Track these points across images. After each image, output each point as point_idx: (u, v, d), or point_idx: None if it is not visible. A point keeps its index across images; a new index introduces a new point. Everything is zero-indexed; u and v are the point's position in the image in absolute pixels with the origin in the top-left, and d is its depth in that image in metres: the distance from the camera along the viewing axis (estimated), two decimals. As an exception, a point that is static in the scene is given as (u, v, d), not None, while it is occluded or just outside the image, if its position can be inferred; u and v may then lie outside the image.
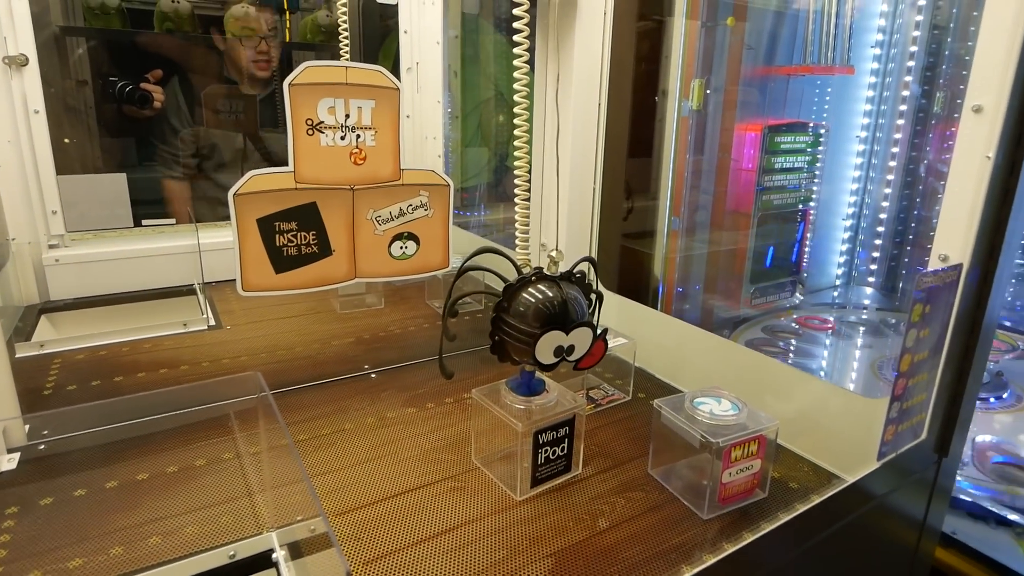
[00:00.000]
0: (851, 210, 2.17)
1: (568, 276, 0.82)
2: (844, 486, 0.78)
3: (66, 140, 1.65)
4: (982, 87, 0.75)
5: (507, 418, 0.83)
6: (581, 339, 0.81)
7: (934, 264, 0.81)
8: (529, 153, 0.93)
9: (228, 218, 1.01)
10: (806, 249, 1.99)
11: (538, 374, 0.88)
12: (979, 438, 1.40)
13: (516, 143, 0.91)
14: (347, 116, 1.09)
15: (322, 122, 1.07)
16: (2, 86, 1.34)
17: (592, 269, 0.87)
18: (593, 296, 0.85)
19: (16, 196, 1.40)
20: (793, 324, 1.84)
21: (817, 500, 0.76)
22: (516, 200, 0.93)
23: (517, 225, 0.93)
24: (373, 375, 1.19)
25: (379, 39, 2.50)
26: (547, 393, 0.87)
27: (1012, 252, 0.79)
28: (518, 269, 0.83)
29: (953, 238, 0.79)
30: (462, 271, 0.85)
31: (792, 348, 1.74)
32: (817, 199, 1.98)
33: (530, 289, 0.79)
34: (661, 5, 1.52)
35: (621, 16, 1.28)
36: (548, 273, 0.82)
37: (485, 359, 1.26)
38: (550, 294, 0.79)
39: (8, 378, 0.86)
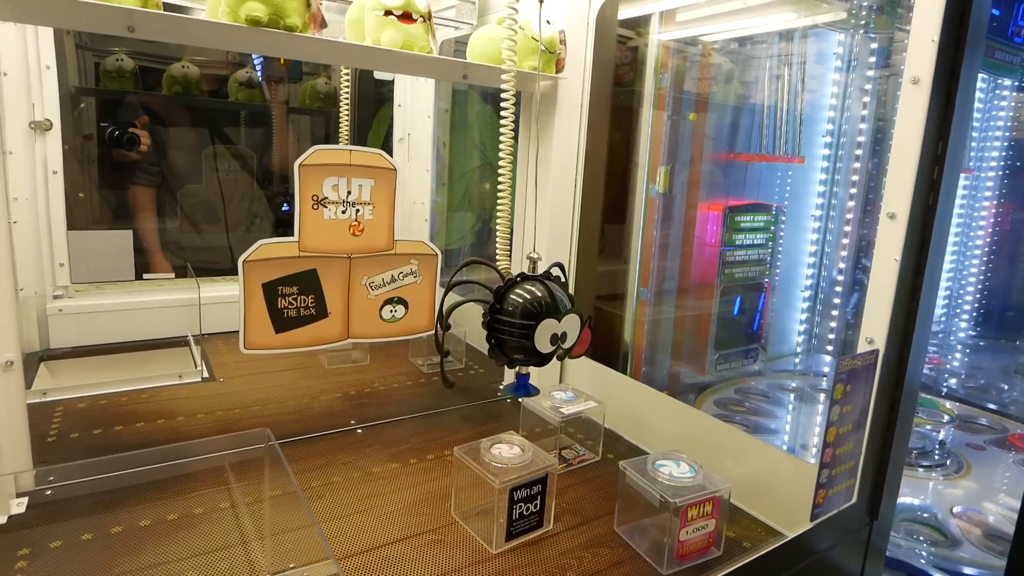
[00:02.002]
0: (809, 282, 2.33)
1: (547, 275, 0.92)
2: (783, 541, 0.88)
3: (80, 194, 1.74)
4: (895, 196, 0.90)
5: (485, 475, 0.91)
6: (571, 326, 0.89)
7: (863, 346, 0.94)
8: (513, 175, 1.02)
9: (219, 270, 1.10)
10: (767, 318, 2.13)
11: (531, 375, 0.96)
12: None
13: (500, 171, 1.00)
14: (349, 193, 1.21)
15: (326, 198, 1.19)
16: (26, 148, 1.45)
17: (562, 272, 0.96)
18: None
19: (27, 249, 1.48)
20: (755, 388, 1.96)
21: (759, 553, 0.85)
22: (498, 215, 1.01)
23: (498, 239, 1.01)
24: (359, 431, 1.27)
25: (374, 106, 2.65)
26: (522, 452, 0.96)
27: (923, 339, 0.92)
28: (501, 276, 0.92)
29: (877, 325, 0.91)
30: (451, 285, 0.93)
31: (753, 413, 1.85)
32: (777, 272, 2.13)
33: (518, 289, 0.88)
34: (631, 99, 1.69)
35: (596, 108, 1.44)
36: (530, 274, 0.91)
37: (466, 418, 1.35)
38: (538, 290, 0.88)
39: (24, 428, 0.93)
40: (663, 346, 1.93)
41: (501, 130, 1.09)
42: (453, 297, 0.94)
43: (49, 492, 0.93)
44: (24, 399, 0.93)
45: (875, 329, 0.91)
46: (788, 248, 2.17)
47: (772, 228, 2.00)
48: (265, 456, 0.89)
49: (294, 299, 1.18)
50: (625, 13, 1.55)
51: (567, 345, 0.89)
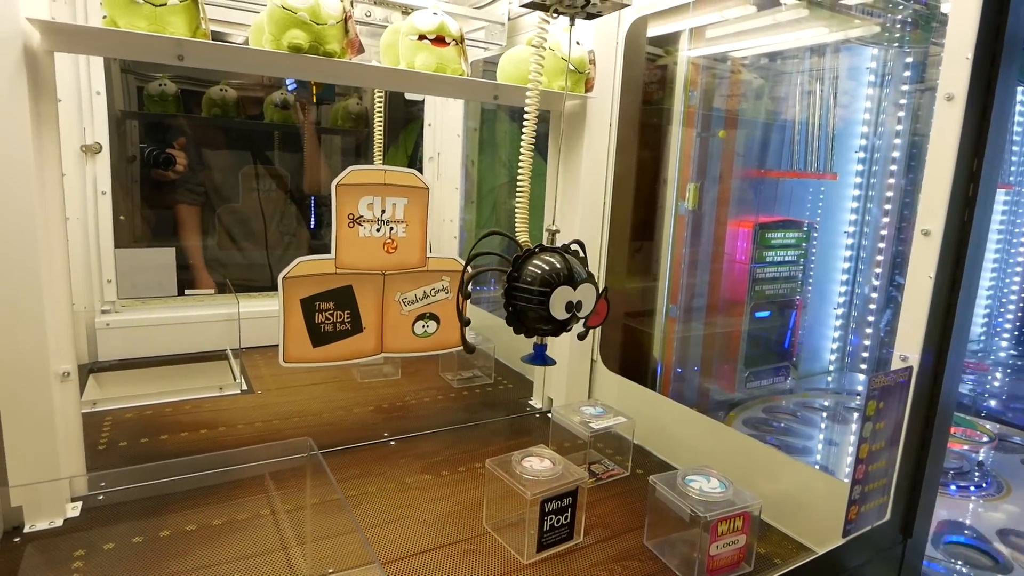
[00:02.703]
0: (843, 299, 2.30)
1: (566, 248, 0.93)
2: (814, 557, 0.87)
3: (122, 217, 1.82)
4: (929, 213, 0.89)
5: (516, 486, 0.93)
6: (587, 296, 0.90)
7: (896, 363, 0.93)
8: (531, 157, 1.01)
9: (256, 286, 1.14)
10: (799, 336, 2.11)
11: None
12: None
13: (520, 155, 1.02)
14: (383, 211, 1.25)
15: (362, 216, 1.23)
16: (77, 170, 1.52)
17: (581, 248, 0.97)
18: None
19: (78, 266, 1.55)
20: (786, 407, 1.94)
21: (789, 567, 0.85)
22: (517, 192, 1.01)
23: (517, 212, 1.01)
24: (392, 442, 1.29)
25: (404, 125, 2.72)
26: (553, 465, 0.98)
27: (958, 357, 0.91)
28: (520, 246, 0.93)
29: (911, 342, 0.91)
30: (472, 256, 0.95)
31: (784, 431, 1.83)
32: (809, 289, 2.11)
33: (535, 259, 0.90)
34: (660, 117, 1.71)
35: (625, 126, 1.46)
36: (548, 246, 0.92)
37: (496, 431, 1.37)
38: (555, 259, 0.89)
39: (79, 436, 0.98)
40: (692, 363, 1.92)
41: (524, 125, 1.08)
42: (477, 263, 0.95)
43: (101, 497, 0.97)
44: (79, 409, 0.98)
45: (909, 346, 0.91)
46: (820, 265, 2.15)
47: (803, 245, 1.98)
48: (308, 465, 0.92)
49: (331, 314, 1.22)
50: (654, 31, 1.57)
51: (582, 314, 0.91)
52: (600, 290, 0.93)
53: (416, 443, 1.30)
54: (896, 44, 1.85)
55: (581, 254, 0.95)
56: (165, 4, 0.87)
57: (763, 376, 1.97)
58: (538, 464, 0.98)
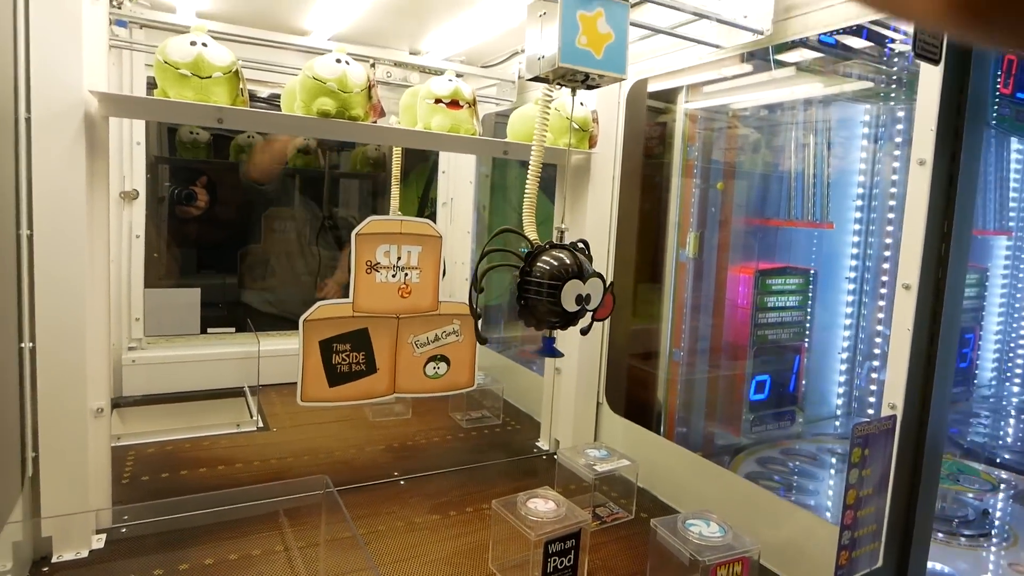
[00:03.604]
0: (847, 344, 2.33)
1: (574, 245, 0.98)
2: (807, 603, 0.90)
3: (155, 255, 1.91)
4: (908, 268, 0.95)
5: (521, 527, 0.97)
6: (595, 290, 0.95)
7: (886, 411, 0.98)
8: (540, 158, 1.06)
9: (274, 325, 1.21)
10: (803, 380, 2.14)
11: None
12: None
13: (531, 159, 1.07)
14: (399, 258, 1.32)
15: (378, 263, 1.30)
16: (115, 215, 1.62)
17: (586, 248, 1.02)
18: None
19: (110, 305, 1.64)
20: (790, 452, 1.96)
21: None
22: (525, 193, 1.06)
23: (524, 212, 1.06)
24: (402, 482, 1.34)
25: (416, 166, 2.82)
26: (557, 507, 1.02)
27: (942, 405, 0.96)
28: (531, 243, 0.98)
29: (896, 391, 0.96)
30: (485, 253, 1.00)
31: (789, 476, 1.85)
32: (812, 334, 2.15)
33: (546, 255, 0.95)
34: (661, 170, 1.79)
35: (627, 179, 1.54)
36: (557, 243, 0.97)
37: (503, 472, 1.41)
38: (565, 255, 0.95)
39: (107, 469, 1.04)
40: (697, 406, 1.96)
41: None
42: (487, 263, 1.00)
43: (124, 530, 1.03)
44: (109, 443, 1.04)
45: (895, 395, 0.96)
46: (823, 311, 2.19)
47: (805, 291, 2.03)
48: (323, 502, 0.97)
49: (347, 355, 1.29)
50: (654, 87, 1.66)
51: (591, 307, 0.96)
52: (607, 284, 0.98)
53: (425, 483, 1.34)
54: (887, 100, 1.93)
55: (587, 252, 1.01)
56: (210, 76, 0.96)
57: (768, 421, 1.99)
58: (543, 506, 1.02)
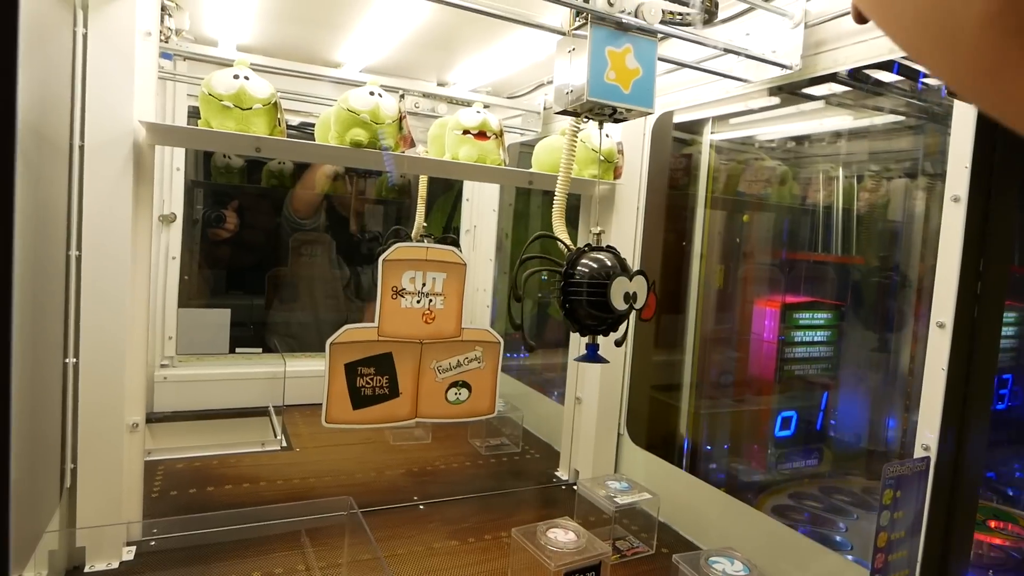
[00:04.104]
0: (878, 381, 2.28)
1: (610, 247, 0.98)
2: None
3: (185, 277, 1.97)
4: (942, 307, 0.94)
5: (541, 557, 0.97)
6: (640, 287, 0.95)
7: (919, 452, 0.96)
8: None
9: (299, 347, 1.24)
10: (831, 418, 2.09)
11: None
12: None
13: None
14: (424, 284, 1.35)
15: (404, 289, 1.33)
16: (154, 238, 1.68)
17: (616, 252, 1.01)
18: None
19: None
20: (816, 492, 1.91)
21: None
22: (555, 200, 1.06)
23: (555, 219, 1.06)
24: (421, 506, 1.34)
25: (441, 193, 2.87)
26: (577, 538, 1.01)
27: (978, 448, 0.94)
28: (568, 247, 0.98)
29: (929, 432, 0.94)
30: (523, 260, 1.00)
31: (817, 515, 1.80)
32: (841, 370, 2.11)
33: (588, 256, 0.95)
34: (686, 201, 1.80)
35: (652, 210, 1.55)
36: (595, 245, 0.98)
37: (521, 501, 1.41)
38: (607, 255, 0.95)
39: (139, 483, 1.06)
40: (720, 441, 1.93)
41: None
42: (527, 268, 1.00)
43: (153, 543, 1.05)
44: (142, 457, 1.07)
45: (928, 436, 0.94)
46: (853, 347, 2.15)
47: (834, 326, 2.01)
48: (347, 523, 0.98)
49: (371, 379, 1.30)
50: (680, 117, 1.68)
51: (638, 305, 0.95)
52: (651, 283, 0.97)
53: (444, 508, 1.34)
54: (920, 133, 1.92)
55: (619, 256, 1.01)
56: (251, 108, 1.01)
57: (794, 458, 1.95)
58: (563, 536, 1.02)
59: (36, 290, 0.92)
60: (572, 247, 0.99)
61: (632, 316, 0.98)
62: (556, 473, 1.59)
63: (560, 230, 1.03)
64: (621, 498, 1.24)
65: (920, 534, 0.93)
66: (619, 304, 0.93)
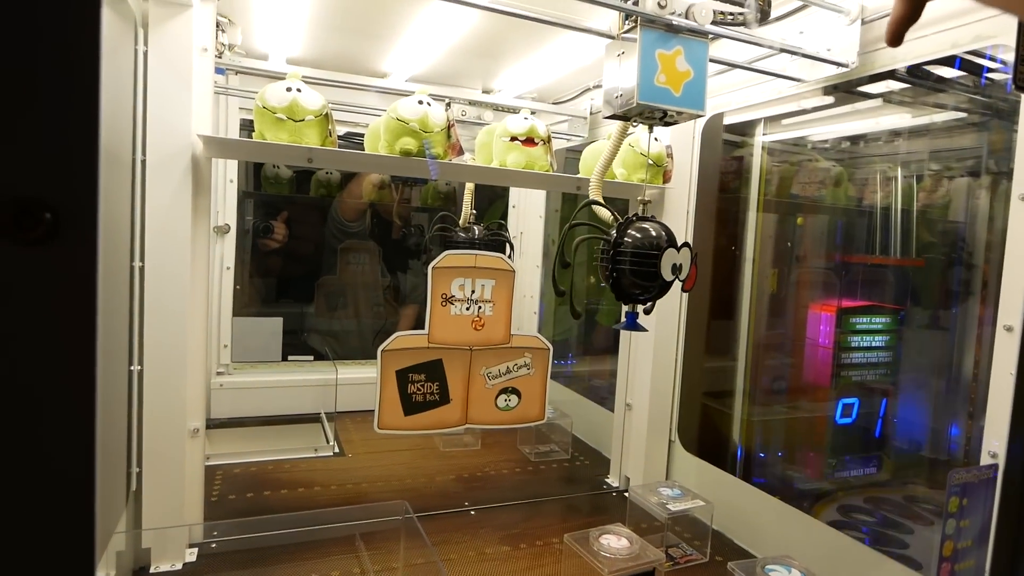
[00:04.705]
0: (940, 387, 2.18)
1: (654, 218, 0.97)
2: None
3: (237, 286, 2.03)
4: (1010, 309, 0.90)
5: (594, 563, 0.96)
6: (684, 259, 0.94)
7: (985, 459, 0.92)
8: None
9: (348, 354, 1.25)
10: (891, 425, 2.01)
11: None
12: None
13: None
14: (472, 292, 1.35)
15: (453, 296, 1.34)
16: (208, 249, 1.74)
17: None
18: None
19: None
20: (876, 501, 1.84)
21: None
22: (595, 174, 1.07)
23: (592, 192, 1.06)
24: (472, 512, 1.35)
25: (487, 202, 2.88)
26: (630, 545, 1.00)
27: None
28: (616, 216, 0.97)
29: (998, 439, 0.89)
30: (571, 226, 1.00)
31: (876, 525, 1.73)
32: (901, 376, 2.03)
33: (635, 226, 0.94)
34: (737, 205, 1.76)
35: (702, 214, 1.53)
36: (642, 215, 0.97)
37: (572, 507, 1.40)
38: (654, 225, 0.94)
39: (200, 487, 1.10)
40: (775, 448, 1.88)
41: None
42: (575, 235, 1.00)
43: (214, 545, 1.08)
44: (202, 462, 1.10)
45: (996, 443, 0.89)
46: (912, 352, 2.07)
47: (893, 331, 1.93)
48: (403, 528, 0.99)
49: (422, 385, 1.32)
50: (730, 119, 1.65)
51: (683, 276, 0.94)
52: (694, 255, 0.97)
53: (495, 514, 1.34)
54: (984, 130, 1.83)
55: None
56: (303, 120, 1.03)
57: (851, 465, 1.89)
58: (615, 542, 1.01)
59: (106, 301, 0.96)
60: (617, 217, 0.98)
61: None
62: (607, 480, 1.57)
63: (600, 204, 1.03)
64: (674, 505, 1.22)
65: (988, 543, 0.88)
66: (667, 275, 0.93)
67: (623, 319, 1.01)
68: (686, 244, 0.95)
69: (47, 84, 0.30)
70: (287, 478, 1.43)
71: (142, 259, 1.02)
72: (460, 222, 1.73)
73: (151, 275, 1.02)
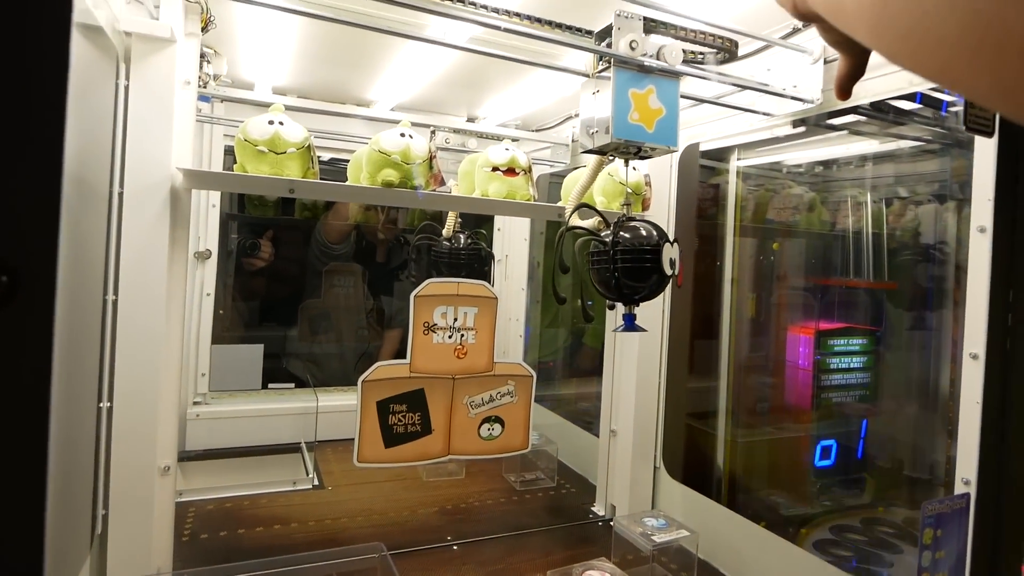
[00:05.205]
0: (918, 408, 2.21)
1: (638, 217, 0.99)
2: None
3: (221, 311, 2.00)
4: (974, 338, 0.91)
5: (577, 600, 0.95)
6: (676, 254, 0.96)
7: (959, 487, 0.92)
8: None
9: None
10: (872, 446, 2.03)
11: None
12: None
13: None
14: (455, 319, 1.35)
15: (435, 324, 1.33)
16: (189, 275, 1.71)
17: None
18: None
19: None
20: (860, 524, 1.84)
21: None
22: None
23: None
24: (455, 547, 1.32)
25: (473, 225, 2.88)
26: (613, 579, 0.99)
27: (1020, 483, 0.89)
28: (605, 220, 0.98)
29: (968, 467, 0.90)
30: (568, 228, 1.00)
31: (861, 550, 1.73)
32: (881, 397, 2.05)
33: (627, 227, 0.95)
34: (715, 231, 1.79)
35: (681, 240, 1.54)
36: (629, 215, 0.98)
37: (557, 539, 1.38)
38: (645, 224, 0.96)
39: (170, 528, 1.06)
40: (758, 472, 1.88)
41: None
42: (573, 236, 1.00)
43: (188, 589, 1.04)
44: (173, 501, 1.07)
45: (967, 471, 0.90)
46: (891, 373, 2.09)
47: (871, 352, 1.95)
48: (378, 567, 0.97)
49: (403, 416, 1.30)
50: (706, 146, 1.67)
51: (676, 271, 0.96)
52: (681, 250, 0.99)
53: (478, 548, 1.32)
54: (945, 156, 1.88)
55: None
56: (285, 152, 1.03)
57: (835, 489, 1.89)
58: (598, 577, 1.00)
59: (74, 335, 0.94)
60: (606, 220, 0.99)
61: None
62: (592, 508, 1.56)
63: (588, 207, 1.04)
64: (659, 536, 1.21)
65: (964, 573, 0.89)
66: (668, 270, 0.94)
67: (621, 323, 1.01)
68: (676, 240, 0.98)
69: (8, 145, 0.29)
70: (264, 513, 1.40)
71: (115, 292, 1.00)
72: (444, 232, 1.74)
73: (124, 308, 1.00)
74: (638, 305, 0.99)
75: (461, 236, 1.71)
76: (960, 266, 1.82)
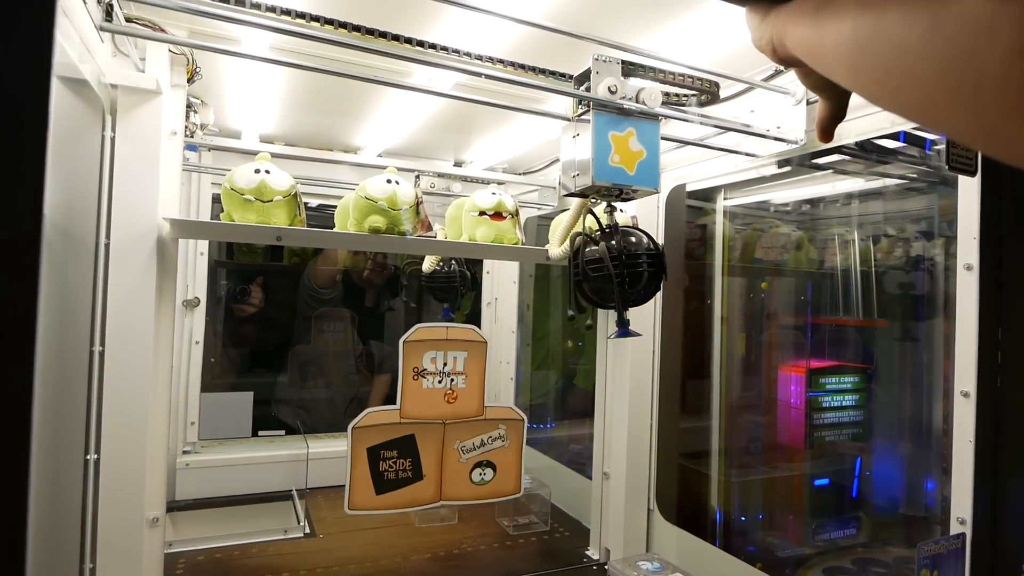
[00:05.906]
0: (912, 445, 2.19)
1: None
2: None
3: (212, 359, 2.00)
4: (965, 376, 0.92)
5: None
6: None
7: (954, 526, 0.92)
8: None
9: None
10: (867, 485, 2.01)
11: None
12: None
13: None
14: (444, 364, 1.35)
15: (425, 369, 1.33)
16: (177, 323, 1.71)
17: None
18: None
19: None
20: (857, 564, 1.81)
21: None
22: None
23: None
24: (447, 595, 1.30)
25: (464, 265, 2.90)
26: (606, 628, 0.97)
27: (1018, 523, 0.89)
28: (602, 227, 0.99)
29: (963, 506, 0.90)
30: (577, 235, 1.01)
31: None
32: (875, 435, 2.04)
33: (623, 236, 0.97)
34: (703, 271, 1.81)
35: (670, 282, 1.56)
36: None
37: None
38: (638, 231, 0.99)
39: (158, 581, 1.04)
40: (753, 513, 1.86)
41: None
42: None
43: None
44: (162, 553, 1.05)
45: (962, 510, 0.90)
46: (884, 410, 2.09)
47: (862, 390, 1.95)
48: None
49: (394, 462, 1.29)
50: (693, 186, 1.70)
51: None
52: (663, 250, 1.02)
53: (471, 596, 1.30)
54: (931, 193, 1.92)
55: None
56: (271, 200, 1.05)
57: (831, 528, 1.87)
58: (592, 626, 0.98)
59: (59, 387, 0.94)
60: (601, 225, 1.00)
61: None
62: (587, 552, 1.53)
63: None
64: (653, 581, 1.19)
65: (969, 617, 0.87)
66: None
67: (616, 331, 1.01)
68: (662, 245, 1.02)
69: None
70: (254, 564, 1.37)
71: (102, 343, 1.00)
72: (424, 268, 1.80)
73: (111, 359, 0.99)
74: (638, 305, 1.01)
75: (453, 261, 1.81)
76: (948, 301, 1.84)
